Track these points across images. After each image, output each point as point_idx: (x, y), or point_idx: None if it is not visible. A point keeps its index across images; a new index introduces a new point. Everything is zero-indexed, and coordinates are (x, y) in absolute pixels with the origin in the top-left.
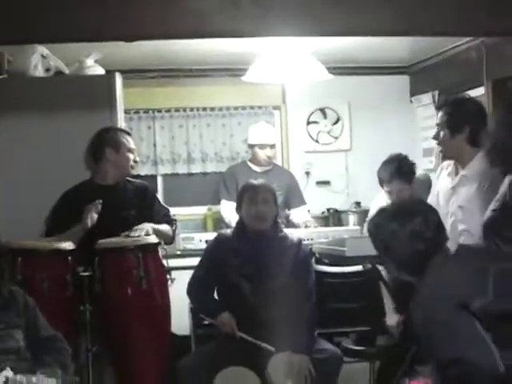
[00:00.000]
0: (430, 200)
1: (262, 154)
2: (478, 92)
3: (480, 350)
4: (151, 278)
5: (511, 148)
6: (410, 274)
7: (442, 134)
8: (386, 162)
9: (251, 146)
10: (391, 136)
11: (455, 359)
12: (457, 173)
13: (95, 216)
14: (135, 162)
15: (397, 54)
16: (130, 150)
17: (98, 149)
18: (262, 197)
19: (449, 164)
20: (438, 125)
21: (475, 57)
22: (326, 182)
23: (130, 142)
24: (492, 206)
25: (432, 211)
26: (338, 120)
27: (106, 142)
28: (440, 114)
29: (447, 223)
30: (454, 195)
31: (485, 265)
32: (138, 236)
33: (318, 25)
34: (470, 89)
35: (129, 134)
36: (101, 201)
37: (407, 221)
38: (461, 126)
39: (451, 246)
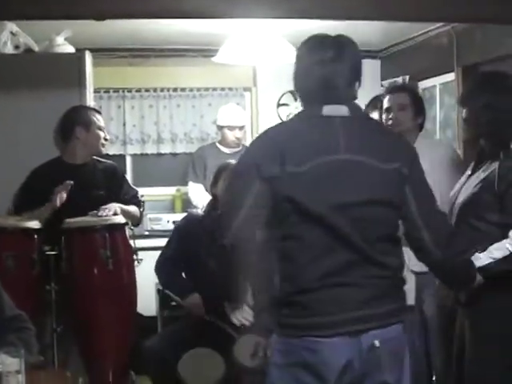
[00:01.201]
0: None
1: (230, 136)
2: (448, 78)
3: None
4: (118, 258)
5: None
6: None
7: (400, 113)
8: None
9: (220, 128)
10: None
11: None
12: None
13: (64, 195)
14: (105, 140)
15: (368, 38)
16: (101, 129)
17: (67, 127)
18: None
19: None
20: (398, 105)
21: (446, 42)
22: None
23: (100, 121)
24: (473, 189)
25: None
26: None
27: (75, 121)
28: (401, 95)
29: None
30: None
31: None
32: (106, 215)
33: (288, 7)
34: (440, 74)
35: (99, 112)
36: (72, 182)
37: None
38: (422, 109)
39: None
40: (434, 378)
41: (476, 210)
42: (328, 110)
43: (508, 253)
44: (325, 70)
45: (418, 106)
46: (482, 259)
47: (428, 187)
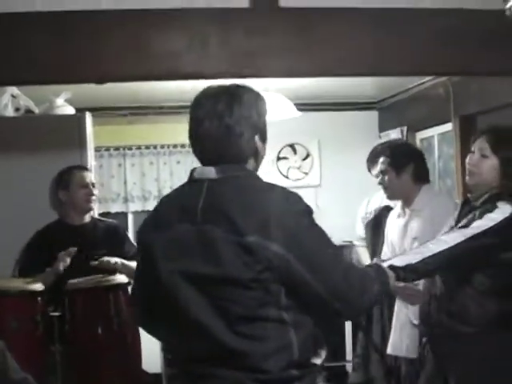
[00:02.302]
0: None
1: None
2: (446, 128)
3: None
4: (122, 317)
5: None
6: None
7: (386, 177)
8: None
9: None
10: (360, 171)
11: None
12: (404, 211)
13: (68, 261)
14: (91, 195)
15: (365, 90)
16: (84, 186)
17: (52, 193)
18: None
19: (395, 209)
20: (381, 172)
21: (442, 93)
22: None
23: (84, 177)
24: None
25: None
26: (307, 156)
27: (57, 185)
28: (380, 160)
29: None
30: (407, 231)
31: None
32: (108, 262)
33: (288, 66)
34: (437, 125)
35: (85, 168)
36: (75, 248)
37: None
38: (404, 164)
39: None
40: None
41: None
42: (198, 172)
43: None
44: (195, 128)
45: (398, 165)
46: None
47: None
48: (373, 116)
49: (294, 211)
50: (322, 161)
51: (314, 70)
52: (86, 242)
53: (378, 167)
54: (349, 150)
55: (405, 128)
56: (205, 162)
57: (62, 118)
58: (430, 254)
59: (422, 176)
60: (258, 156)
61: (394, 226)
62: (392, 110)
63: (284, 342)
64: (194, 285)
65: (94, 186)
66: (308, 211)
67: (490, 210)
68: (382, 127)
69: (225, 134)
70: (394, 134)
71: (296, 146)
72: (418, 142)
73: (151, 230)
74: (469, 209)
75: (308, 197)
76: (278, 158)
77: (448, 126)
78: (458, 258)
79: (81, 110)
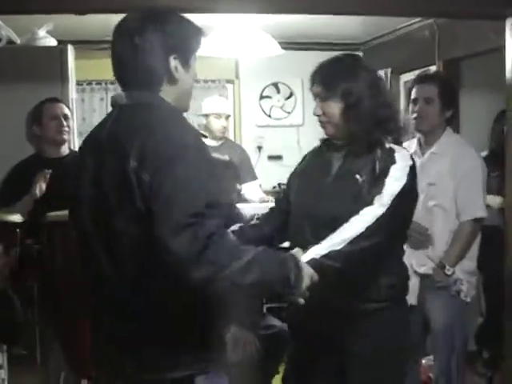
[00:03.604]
0: None
1: (217, 124)
2: (429, 71)
3: None
4: None
5: None
6: None
7: (428, 106)
8: None
9: (206, 116)
10: None
11: None
12: (422, 151)
13: (43, 186)
14: (61, 127)
15: (350, 30)
16: (55, 118)
17: (28, 127)
18: (231, 173)
19: (409, 144)
20: (424, 98)
21: (428, 36)
22: (278, 157)
23: (55, 109)
24: None
25: None
26: (290, 95)
27: (31, 119)
28: (429, 86)
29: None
30: (423, 173)
31: None
32: None
33: (271, 2)
34: (421, 67)
35: (56, 100)
36: (50, 171)
37: None
38: (451, 102)
39: (422, 222)
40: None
41: None
42: (113, 98)
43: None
44: (111, 51)
45: (446, 99)
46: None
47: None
48: None
49: (175, 144)
50: (305, 100)
51: (300, 7)
52: (63, 174)
53: (419, 93)
54: None
55: (389, 70)
56: (121, 86)
57: (43, 49)
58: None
59: (453, 120)
60: (174, 81)
61: None
62: (377, 51)
63: None
64: (93, 217)
65: (66, 118)
66: (194, 148)
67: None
68: None
69: (133, 53)
70: None
71: (279, 85)
72: (401, 85)
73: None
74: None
75: (290, 136)
76: (261, 97)
77: (432, 69)
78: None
79: (63, 43)
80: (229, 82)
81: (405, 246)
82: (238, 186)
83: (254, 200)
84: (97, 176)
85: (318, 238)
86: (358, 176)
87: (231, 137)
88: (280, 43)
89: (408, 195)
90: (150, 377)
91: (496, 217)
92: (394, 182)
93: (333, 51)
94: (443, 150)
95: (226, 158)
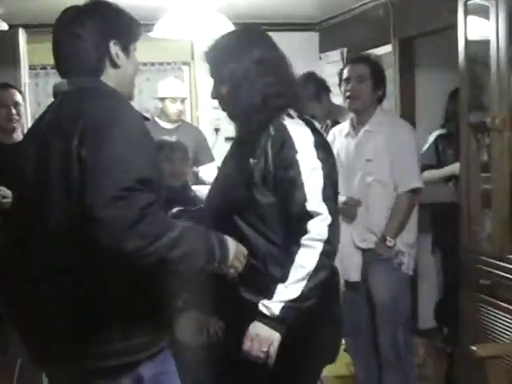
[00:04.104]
0: None
1: (172, 108)
2: (385, 50)
3: None
4: None
5: None
6: None
7: (360, 85)
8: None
9: (162, 100)
10: None
11: None
12: (355, 130)
13: None
14: (11, 115)
15: (306, 10)
16: (4, 105)
17: None
18: (179, 154)
19: (341, 128)
20: (357, 77)
21: (382, 14)
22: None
23: (4, 97)
24: None
25: None
26: None
27: None
28: (360, 66)
29: (354, 179)
30: (358, 151)
31: None
32: None
33: None
34: (377, 46)
35: (6, 86)
36: None
37: None
38: (382, 82)
39: (361, 198)
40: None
41: None
42: (55, 86)
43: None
44: (52, 41)
45: (377, 79)
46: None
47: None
48: (313, 37)
49: (113, 123)
50: None
51: None
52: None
53: (351, 72)
54: None
55: (344, 50)
56: (62, 75)
57: None
58: None
59: (383, 94)
60: (116, 66)
61: (342, 145)
62: (333, 31)
63: None
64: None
65: (16, 105)
66: (131, 126)
67: None
68: (323, 48)
69: (73, 40)
70: (334, 56)
71: None
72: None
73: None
74: None
75: None
76: None
77: (388, 48)
78: None
79: (15, 27)
80: (185, 64)
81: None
82: (195, 168)
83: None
84: (39, 162)
85: (219, 229)
86: (251, 159)
87: (188, 119)
88: (234, 24)
89: (330, 178)
90: (92, 365)
91: (452, 194)
92: (312, 178)
93: (288, 31)
94: (377, 127)
95: (174, 139)
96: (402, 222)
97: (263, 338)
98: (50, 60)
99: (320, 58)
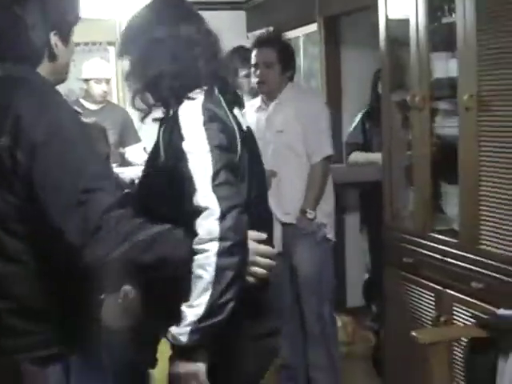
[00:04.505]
0: None
1: (97, 89)
2: (310, 29)
3: None
4: None
5: None
6: None
7: (268, 70)
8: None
9: (86, 81)
10: None
11: None
12: (266, 105)
13: None
14: None
15: None
16: None
17: None
18: (95, 135)
19: (253, 103)
20: (264, 63)
21: None
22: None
23: None
24: None
25: None
26: None
27: None
28: (267, 50)
29: (267, 151)
30: (271, 124)
31: None
32: None
33: None
34: (302, 25)
35: None
36: None
37: None
38: (290, 63)
39: (277, 169)
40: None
41: None
42: None
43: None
44: None
45: (285, 62)
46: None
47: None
48: (240, 16)
49: (49, 122)
50: None
51: None
52: None
53: (259, 57)
54: None
55: (271, 29)
56: None
57: None
58: None
59: (292, 74)
60: (54, 57)
61: (253, 120)
62: (259, 10)
63: None
64: None
65: None
66: (69, 124)
67: None
68: (250, 27)
69: (12, 24)
70: None
71: None
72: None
73: None
74: None
75: None
76: None
77: (313, 27)
78: None
79: None
80: (110, 44)
81: None
82: (122, 149)
83: (138, 163)
84: None
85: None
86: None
87: (114, 100)
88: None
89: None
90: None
91: (379, 173)
92: (200, 167)
93: (216, 10)
94: (287, 100)
95: (91, 120)
96: (319, 191)
97: (184, 375)
98: None
99: (248, 38)
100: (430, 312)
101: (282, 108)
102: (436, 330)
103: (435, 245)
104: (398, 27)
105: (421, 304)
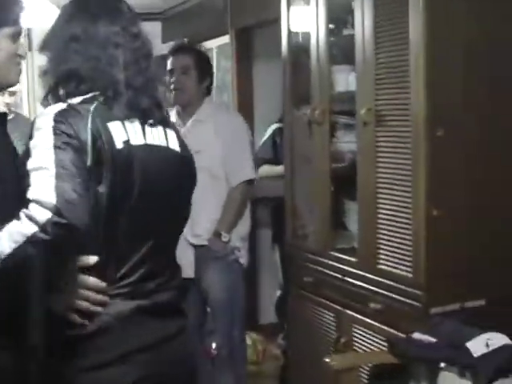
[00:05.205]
0: None
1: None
2: (223, 40)
3: None
4: None
5: None
6: None
7: (185, 77)
8: None
9: None
10: None
11: None
12: (183, 120)
13: None
14: None
15: None
16: None
17: None
18: None
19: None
20: (180, 68)
21: (221, 4)
22: None
23: None
24: None
25: None
26: None
27: None
28: (183, 56)
29: None
30: (187, 141)
31: None
32: None
33: None
34: (216, 37)
35: None
36: None
37: None
38: (208, 72)
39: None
40: (213, 349)
41: None
42: None
43: None
44: None
45: (202, 69)
46: None
47: None
48: (156, 26)
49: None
50: None
51: None
52: None
53: (175, 63)
54: None
55: (185, 40)
56: None
57: None
58: None
59: (210, 85)
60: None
61: None
62: (175, 20)
63: None
64: None
65: None
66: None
67: None
68: (165, 38)
69: None
70: None
71: None
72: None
73: None
74: None
75: None
76: None
77: (226, 39)
78: None
79: None
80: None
81: None
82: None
83: None
84: None
85: None
86: None
87: (26, 111)
88: None
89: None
90: None
91: None
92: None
93: None
94: (206, 117)
95: None
96: (236, 215)
97: None
98: None
99: (162, 50)
100: (331, 332)
101: (201, 125)
102: (347, 355)
103: (335, 263)
104: (302, 40)
105: (322, 324)
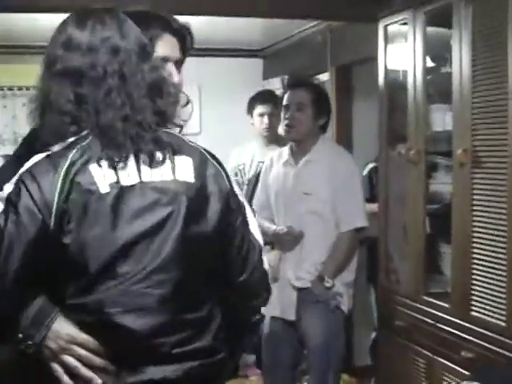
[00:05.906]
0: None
1: None
2: (323, 77)
3: None
4: None
5: None
6: None
7: (300, 113)
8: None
9: None
10: (241, 120)
11: None
12: (295, 159)
13: None
14: None
15: (250, 36)
16: None
17: None
18: None
19: (279, 154)
20: (296, 104)
21: (321, 41)
22: None
23: None
24: None
25: None
26: (187, 103)
27: None
28: (300, 92)
29: (293, 212)
30: (297, 183)
31: None
32: None
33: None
34: (316, 74)
35: None
36: None
37: None
38: (324, 109)
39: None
40: None
41: None
42: None
43: None
44: None
45: (319, 106)
46: None
47: None
48: (257, 63)
49: None
50: (202, 108)
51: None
52: None
53: (291, 99)
54: (231, 98)
55: (285, 77)
56: None
57: None
58: None
59: (326, 123)
60: None
61: (279, 174)
62: (275, 57)
63: None
64: None
65: None
66: None
67: None
68: (266, 75)
69: None
70: (276, 83)
71: None
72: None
73: None
74: None
75: None
76: None
77: (326, 76)
78: None
79: None
80: None
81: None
82: None
83: None
84: None
85: None
86: None
87: None
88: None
89: None
90: None
91: None
92: None
93: (231, 57)
94: (319, 158)
95: None
96: (342, 262)
97: None
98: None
99: (263, 86)
100: (421, 379)
101: (313, 167)
102: None
103: (428, 308)
104: (399, 77)
105: (413, 370)
